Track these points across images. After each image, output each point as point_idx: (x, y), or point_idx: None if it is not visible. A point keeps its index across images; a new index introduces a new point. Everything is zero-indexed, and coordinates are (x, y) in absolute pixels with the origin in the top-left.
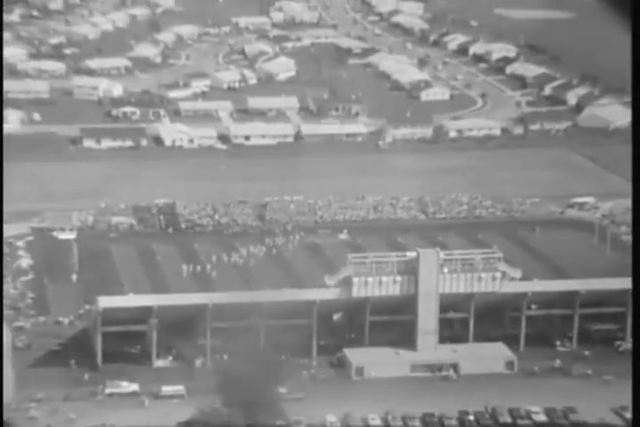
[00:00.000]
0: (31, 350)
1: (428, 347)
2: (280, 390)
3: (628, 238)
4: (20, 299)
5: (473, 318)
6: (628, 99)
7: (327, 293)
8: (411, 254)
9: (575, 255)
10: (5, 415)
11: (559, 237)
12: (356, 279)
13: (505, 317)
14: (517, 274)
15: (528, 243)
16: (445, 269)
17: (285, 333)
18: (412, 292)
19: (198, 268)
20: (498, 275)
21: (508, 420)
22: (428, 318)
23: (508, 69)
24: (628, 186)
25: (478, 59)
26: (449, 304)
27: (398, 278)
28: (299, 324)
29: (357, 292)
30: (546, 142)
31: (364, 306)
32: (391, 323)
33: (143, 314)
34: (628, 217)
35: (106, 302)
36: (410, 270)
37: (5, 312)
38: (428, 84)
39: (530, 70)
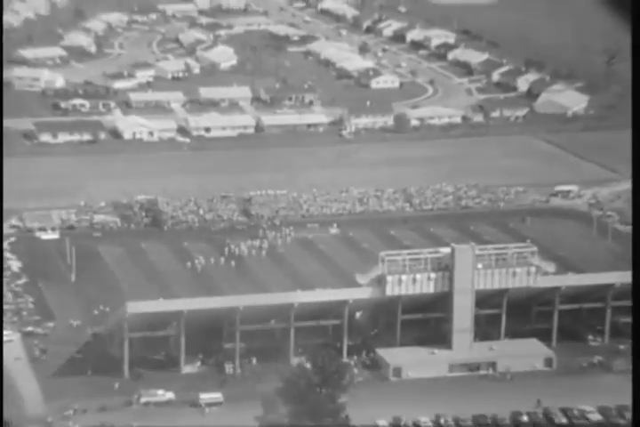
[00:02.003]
0: (48, 358)
1: (464, 345)
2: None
3: (622, 227)
4: (20, 303)
5: (504, 314)
6: (580, 84)
7: (360, 292)
8: (444, 250)
9: (573, 244)
10: None
11: (550, 226)
12: (389, 278)
13: (532, 311)
14: (551, 268)
15: (522, 233)
16: (480, 265)
17: (313, 334)
18: (447, 289)
19: (199, 266)
20: (533, 269)
21: (564, 420)
22: (463, 316)
23: (450, 56)
24: (603, 172)
25: (417, 45)
26: (478, 300)
27: (432, 276)
28: (329, 324)
29: (391, 290)
30: (508, 130)
31: (391, 304)
32: (418, 321)
33: (168, 319)
34: (615, 204)
35: (134, 307)
36: (444, 267)
37: (10, 319)
38: (377, 72)
39: (473, 57)
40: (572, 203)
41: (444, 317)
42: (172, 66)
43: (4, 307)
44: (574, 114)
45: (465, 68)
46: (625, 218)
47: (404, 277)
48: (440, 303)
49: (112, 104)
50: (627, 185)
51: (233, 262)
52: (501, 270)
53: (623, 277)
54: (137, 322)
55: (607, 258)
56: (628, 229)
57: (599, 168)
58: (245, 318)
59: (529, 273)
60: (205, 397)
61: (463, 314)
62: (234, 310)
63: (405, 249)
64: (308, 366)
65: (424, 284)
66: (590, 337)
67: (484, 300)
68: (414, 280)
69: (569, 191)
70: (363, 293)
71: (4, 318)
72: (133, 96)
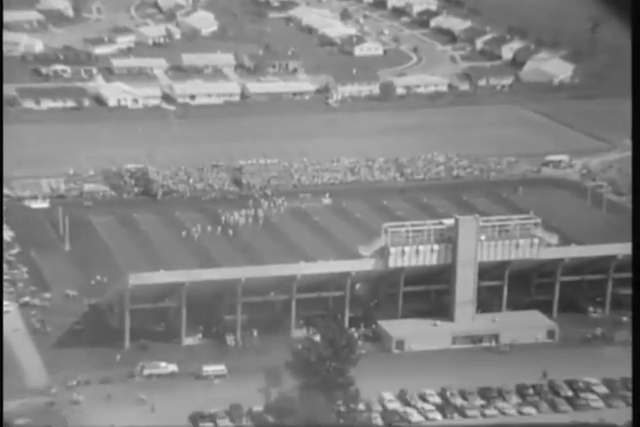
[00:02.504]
0: (47, 329)
1: (466, 317)
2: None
3: (615, 197)
4: (15, 274)
5: (505, 286)
6: (565, 52)
7: (363, 264)
8: (447, 222)
9: (567, 215)
10: (46, 399)
11: (543, 196)
12: (393, 249)
13: (532, 283)
14: (554, 240)
15: (514, 203)
16: (483, 237)
17: (314, 305)
18: (449, 261)
19: (194, 236)
20: (536, 241)
21: (569, 393)
22: (465, 288)
23: (433, 23)
24: (591, 141)
25: (399, 12)
26: (480, 272)
27: (435, 247)
28: (329, 296)
29: (394, 262)
30: (494, 98)
31: (392, 276)
32: (418, 293)
33: (168, 290)
34: (607, 175)
35: (136, 278)
36: (446, 239)
37: (7, 289)
38: (360, 39)
39: (455, 24)
40: (563, 173)
41: (444, 288)
42: (153, 31)
43: None
44: (560, 82)
45: (448, 36)
46: (617, 188)
47: (407, 249)
48: (442, 275)
49: (94, 70)
50: (617, 155)
51: (228, 232)
52: (504, 242)
53: (625, 249)
54: (138, 293)
55: (602, 229)
56: (622, 199)
57: (587, 137)
58: (246, 290)
59: (532, 245)
60: (209, 369)
61: (466, 286)
62: (236, 282)
63: (399, 220)
64: (318, 339)
65: (427, 255)
66: (591, 309)
67: (486, 271)
68: (417, 252)
69: (560, 161)
70: (366, 264)
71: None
72: (115, 62)
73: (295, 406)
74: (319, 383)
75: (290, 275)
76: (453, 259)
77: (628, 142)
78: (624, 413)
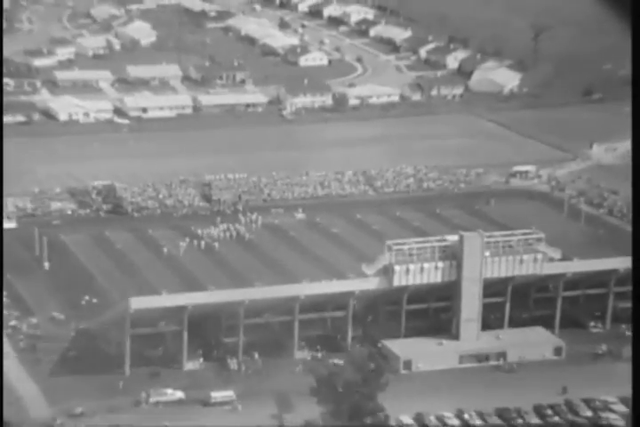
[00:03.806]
0: (40, 356)
1: (471, 335)
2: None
3: (588, 208)
4: None
5: (508, 302)
6: (509, 62)
7: (366, 283)
8: (451, 238)
9: (543, 227)
10: None
11: (515, 207)
12: (397, 267)
13: (530, 298)
14: (557, 254)
15: (488, 215)
16: (487, 253)
17: (312, 326)
18: (454, 278)
19: (172, 253)
20: (539, 256)
21: (589, 413)
22: (470, 305)
23: (372, 32)
24: (551, 151)
25: (336, 21)
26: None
27: (440, 265)
28: (332, 316)
29: (398, 280)
30: (446, 108)
31: (393, 294)
32: (417, 310)
33: (167, 314)
34: (576, 185)
35: (138, 303)
36: (451, 256)
37: None
38: (304, 50)
39: (396, 33)
40: (531, 184)
41: (444, 306)
42: (92, 42)
43: None
44: (510, 92)
45: (390, 45)
46: (589, 199)
47: (411, 267)
48: (441, 292)
49: (38, 83)
50: (581, 164)
51: (205, 249)
52: (508, 258)
53: (627, 263)
54: (135, 317)
55: (582, 240)
56: (597, 211)
57: (547, 147)
58: (247, 312)
59: (535, 260)
60: (217, 395)
61: (471, 303)
62: (238, 304)
63: (376, 234)
64: (342, 363)
65: (431, 273)
66: (592, 324)
67: (487, 288)
68: (422, 269)
69: (526, 172)
70: (369, 283)
71: None
72: (59, 75)
73: None
74: (348, 410)
75: (293, 295)
76: (458, 276)
77: (588, 152)
78: None
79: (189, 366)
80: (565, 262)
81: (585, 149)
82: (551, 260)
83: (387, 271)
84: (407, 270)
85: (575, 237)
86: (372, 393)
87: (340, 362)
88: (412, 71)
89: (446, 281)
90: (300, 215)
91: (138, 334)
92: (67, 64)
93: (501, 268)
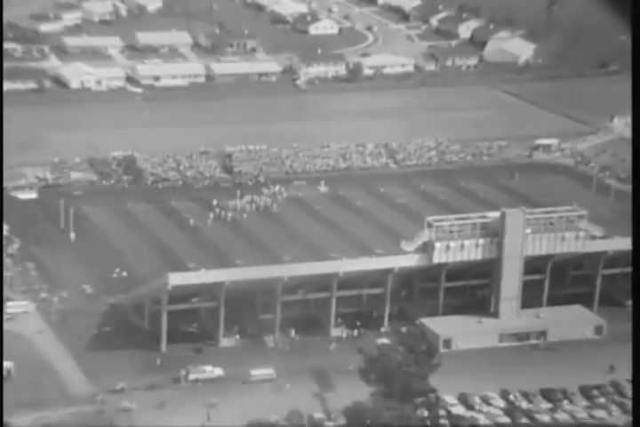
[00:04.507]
0: (72, 329)
1: (511, 314)
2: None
3: (613, 182)
4: (22, 271)
5: (547, 280)
6: (522, 31)
7: (406, 260)
8: (492, 215)
9: (570, 201)
10: (94, 407)
11: (540, 181)
12: (438, 244)
13: (567, 276)
14: (599, 232)
15: (514, 190)
16: (528, 230)
17: (347, 303)
18: (494, 255)
19: (197, 226)
20: (581, 234)
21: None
22: (510, 283)
23: (380, 0)
24: (570, 124)
25: None
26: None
27: (481, 242)
28: (369, 293)
29: (439, 257)
30: (462, 79)
31: (431, 271)
32: (455, 288)
33: (204, 290)
34: (601, 159)
35: (176, 279)
36: (492, 233)
37: (18, 288)
38: (314, 18)
39: (404, 1)
40: (554, 157)
41: (480, 283)
42: (99, 8)
43: (8, 273)
44: (525, 62)
45: (398, 14)
46: (614, 173)
47: (452, 244)
48: (480, 269)
49: (46, 49)
50: (603, 138)
51: (228, 222)
52: (550, 235)
53: None
54: (172, 293)
55: (611, 216)
56: (623, 186)
57: (566, 119)
58: (284, 288)
59: (577, 237)
60: (257, 373)
61: (511, 281)
62: (277, 280)
63: (402, 208)
64: (393, 344)
65: (472, 250)
66: (629, 302)
67: (526, 265)
68: (462, 247)
69: (549, 145)
70: (409, 260)
71: (13, 288)
72: (68, 41)
73: (373, 414)
74: (400, 390)
75: (332, 272)
76: (499, 253)
77: (609, 125)
78: None
79: (225, 342)
80: (606, 240)
81: (605, 122)
82: (592, 237)
83: (426, 248)
84: (447, 248)
85: (604, 212)
86: (423, 374)
87: (387, 341)
88: (424, 41)
89: (486, 258)
90: (322, 188)
91: (173, 310)
92: (74, 30)
93: (542, 245)
